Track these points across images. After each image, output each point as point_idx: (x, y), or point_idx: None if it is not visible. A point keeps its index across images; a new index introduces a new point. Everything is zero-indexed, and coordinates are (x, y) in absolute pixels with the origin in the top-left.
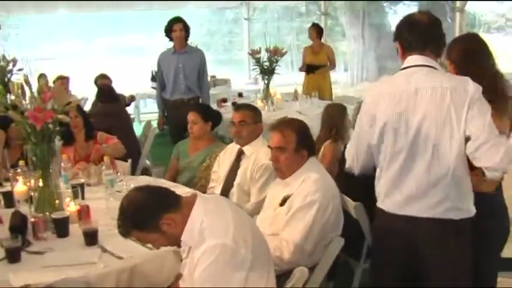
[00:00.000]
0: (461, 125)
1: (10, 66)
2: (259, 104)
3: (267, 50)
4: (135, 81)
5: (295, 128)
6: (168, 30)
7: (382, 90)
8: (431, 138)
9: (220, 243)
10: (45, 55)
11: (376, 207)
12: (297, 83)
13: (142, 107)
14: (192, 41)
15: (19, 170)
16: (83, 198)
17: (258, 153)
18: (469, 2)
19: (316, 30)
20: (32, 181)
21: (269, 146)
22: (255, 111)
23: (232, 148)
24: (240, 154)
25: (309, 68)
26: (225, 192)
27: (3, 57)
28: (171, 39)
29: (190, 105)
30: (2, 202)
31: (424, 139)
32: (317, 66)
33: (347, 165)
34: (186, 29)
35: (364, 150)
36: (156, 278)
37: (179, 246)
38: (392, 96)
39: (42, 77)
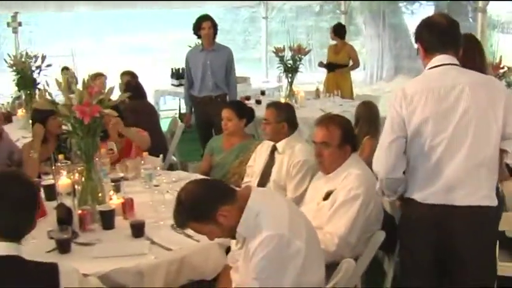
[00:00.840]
0: (498, 117)
1: (39, 63)
2: (282, 101)
3: (291, 49)
4: (154, 79)
5: (340, 123)
6: (197, 28)
7: (420, 87)
8: (470, 130)
9: (277, 234)
10: (58, 52)
11: (406, 199)
12: (318, 82)
13: (162, 104)
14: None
15: (63, 164)
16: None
17: (294, 150)
18: (491, 2)
19: (334, 30)
20: (76, 174)
21: (313, 141)
22: (278, 110)
23: (268, 143)
24: (273, 150)
25: (329, 67)
26: (261, 187)
27: (26, 53)
28: (199, 37)
29: (218, 103)
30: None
31: (463, 131)
32: (337, 65)
33: (378, 170)
34: (214, 26)
35: (397, 148)
36: (203, 270)
37: (233, 237)
38: (431, 92)
39: (65, 70)
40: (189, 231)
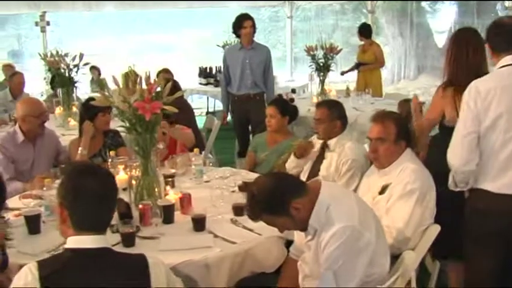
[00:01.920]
0: None
1: (76, 61)
2: (314, 100)
3: (322, 48)
4: (180, 77)
5: (395, 119)
6: (237, 27)
7: (493, 84)
8: None
9: (349, 226)
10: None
11: (475, 190)
12: (348, 81)
13: (189, 102)
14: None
15: (120, 159)
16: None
17: (344, 148)
18: None
19: (359, 30)
20: (134, 170)
21: (369, 137)
22: (330, 109)
23: (317, 141)
24: (324, 147)
25: (358, 66)
26: None
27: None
28: (237, 36)
29: (257, 101)
30: None
31: None
32: (364, 64)
33: (452, 163)
34: (254, 25)
35: (471, 142)
36: (264, 263)
37: (303, 230)
38: (505, 90)
39: (93, 69)
40: (249, 225)
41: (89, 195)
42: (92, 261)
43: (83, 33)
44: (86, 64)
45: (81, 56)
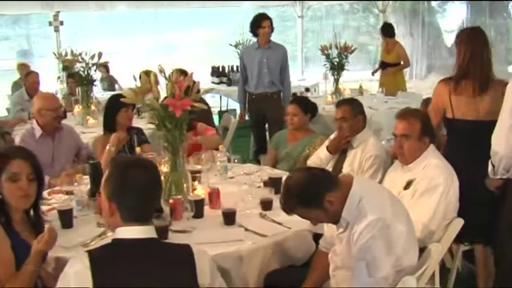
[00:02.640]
0: None
1: (95, 60)
2: (328, 99)
3: (337, 47)
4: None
5: (419, 116)
6: (255, 26)
7: None
8: None
9: (381, 218)
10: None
11: None
12: (362, 79)
13: None
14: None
15: (149, 155)
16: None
17: (367, 144)
18: None
19: (382, 30)
20: (162, 166)
21: (394, 134)
22: (353, 107)
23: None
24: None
25: (382, 65)
26: None
27: (72, 51)
28: (255, 35)
29: (274, 99)
30: None
31: None
32: (388, 64)
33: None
34: (272, 25)
35: None
36: (294, 255)
37: (335, 222)
38: None
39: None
40: (278, 219)
41: (136, 188)
42: (139, 250)
43: (91, 32)
44: (105, 62)
45: (100, 54)
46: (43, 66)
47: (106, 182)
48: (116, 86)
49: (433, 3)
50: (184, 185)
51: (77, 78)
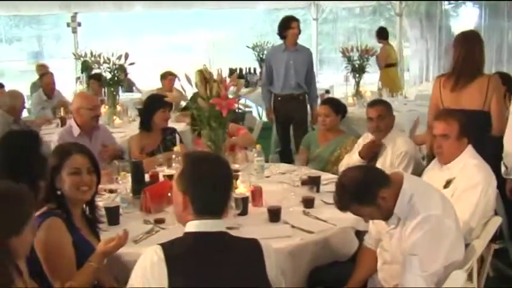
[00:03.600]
0: None
1: (122, 61)
2: (350, 101)
3: (358, 49)
4: None
5: (457, 117)
6: (284, 28)
7: None
8: None
9: (432, 215)
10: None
11: None
12: (380, 82)
13: None
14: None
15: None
16: None
17: (396, 142)
18: None
19: (376, 34)
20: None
21: (433, 134)
22: (387, 105)
23: (366, 138)
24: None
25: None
26: None
27: (91, 52)
28: (282, 37)
29: (300, 100)
30: None
31: None
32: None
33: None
34: (299, 27)
35: None
36: (339, 251)
37: (386, 219)
38: None
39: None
40: (322, 216)
41: (210, 181)
42: (211, 244)
43: (101, 34)
44: (131, 64)
45: (127, 55)
46: (55, 67)
47: (180, 176)
48: (134, 88)
49: (447, 7)
50: None
51: (104, 79)
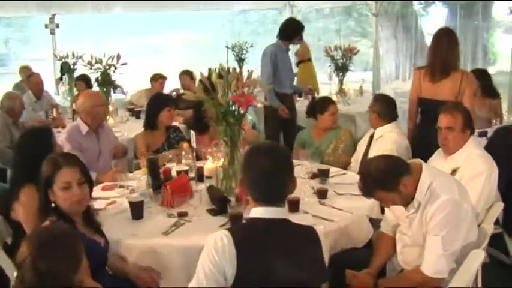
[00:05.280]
0: None
1: (113, 61)
2: (334, 98)
3: (340, 48)
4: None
5: (461, 110)
6: (295, 32)
7: None
8: None
9: (451, 199)
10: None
11: None
12: (364, 80)
13: None
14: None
15: (209, 150)
16: None
17: (385, 136)
18: None
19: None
20: (222, 159)
21: (439, 127)
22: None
23: (370, 131)
24: (371, 137)
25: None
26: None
27: (72, 53)
28: (287, 39)
29: (292, 99)
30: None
31: None
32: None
33: None
34: None
35: None
36: (357, 238)
37: (406, 204)
38: None
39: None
40: (337, 205)
41: (259, 172)
42: (272, 229)
43: (72, 35)
44: (123, 64)
45: (119, 56)
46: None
47: (240, 166)
48: (117, 89)
49: (417, 7)
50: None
51: (96, 79)
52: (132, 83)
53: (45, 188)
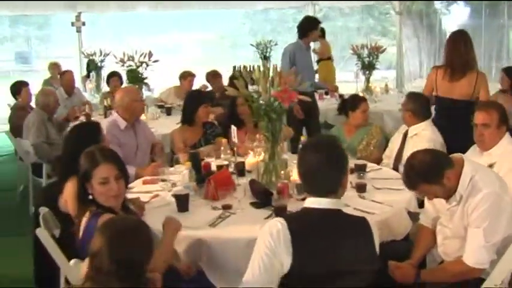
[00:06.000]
0: None
1: (145, 58)
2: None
3: (367, 47)
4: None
5: (497, 107)
6: (309, 28)
7: None
8: None
9: (492, 192)
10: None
11: None
12: (388, 78)
13: None
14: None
15: (251, 145)
16: None
17: (420, 134)
18: None
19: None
20: (263, 153)
21: (475, 123)
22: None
23: (403, 129)
24: (405, 135)
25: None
26: (395, 167)
27: (101, 52)
28: (303, 36)
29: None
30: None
31: None
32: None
33: None
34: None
35: None
36: (397, 230)
37: (448, 197)
38: None
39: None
40: (377, 199)
41: (307, 166)
42: (326, 218)
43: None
44: (155, 61)
45: (151, 54)
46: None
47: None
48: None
49: (439, 6)
50: (282, 172)
51: (129, 76)
52: (154, 80)
53: (83, 181)
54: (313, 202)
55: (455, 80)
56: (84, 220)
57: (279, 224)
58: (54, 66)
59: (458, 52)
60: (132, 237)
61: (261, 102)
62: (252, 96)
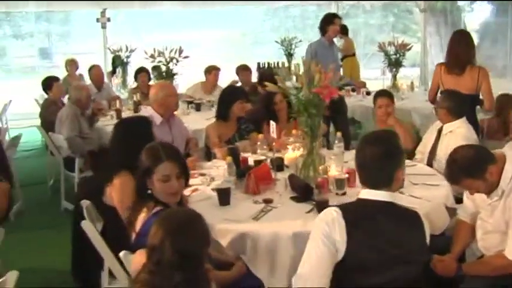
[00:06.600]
0: None
1: (175, 54)
2: None
3: (394, 44)
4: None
5: None
6: (328, 23)
7: None
8: None
9: None
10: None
11: None
12: (413, 76)
13: None
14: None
15: (290, 140)
16: None
17: (455, 132)
18: None
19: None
20: (301, 149)
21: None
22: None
23: (436, 125)
24: (440, 131)
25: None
26: (429, 163)
27: (127, 48)
28: (324, 32)
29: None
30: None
31: None
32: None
33: None
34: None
35: None
36: (436, 225)
37: (489, 192)
38: None
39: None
40: (416, 194)
41: (360, 159)
42: (379, 209)
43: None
44: (186, 57)
45: (181, 50)
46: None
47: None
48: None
49: (460, 3)
50: (320, 167)
51: (156, 72)
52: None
53: (144, 176)
54: (368, 194)
55: (458, 75)
56: (143, 215)
57: (334, 212)
58: (71, 63)
59: (456, 52)
60: (193, 227)
61: (301, 97)
62: (292, 91)
